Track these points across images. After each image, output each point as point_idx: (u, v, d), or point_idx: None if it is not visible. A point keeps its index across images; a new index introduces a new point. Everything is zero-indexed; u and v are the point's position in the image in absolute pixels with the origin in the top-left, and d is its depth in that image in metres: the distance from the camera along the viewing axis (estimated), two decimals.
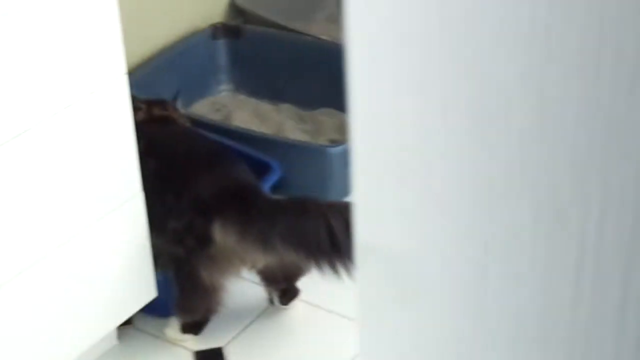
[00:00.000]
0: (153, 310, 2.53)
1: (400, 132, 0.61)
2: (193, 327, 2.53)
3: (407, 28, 0.58)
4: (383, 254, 0.64)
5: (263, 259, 2.42)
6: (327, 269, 2.24)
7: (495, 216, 0.60)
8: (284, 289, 2.59)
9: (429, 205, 0.62)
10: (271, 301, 2.61)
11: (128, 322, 2.53)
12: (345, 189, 2.95)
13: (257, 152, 2.75)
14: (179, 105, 2.77)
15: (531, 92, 0.55)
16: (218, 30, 3.30)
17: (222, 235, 2.34)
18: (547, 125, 0.56)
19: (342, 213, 2.23)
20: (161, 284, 2.48)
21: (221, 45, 3.31)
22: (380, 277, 0.65)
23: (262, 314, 2.61)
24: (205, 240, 2.36)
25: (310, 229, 2.24)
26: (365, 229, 0.65)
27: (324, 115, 3.21)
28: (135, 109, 2.39)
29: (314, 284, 2.55)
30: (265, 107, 3.27)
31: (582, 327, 0.59)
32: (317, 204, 2.30)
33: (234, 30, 3.30)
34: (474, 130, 0.58)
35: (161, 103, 2.73)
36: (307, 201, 2.32)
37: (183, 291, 2.46)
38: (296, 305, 2.60)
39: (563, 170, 0.56)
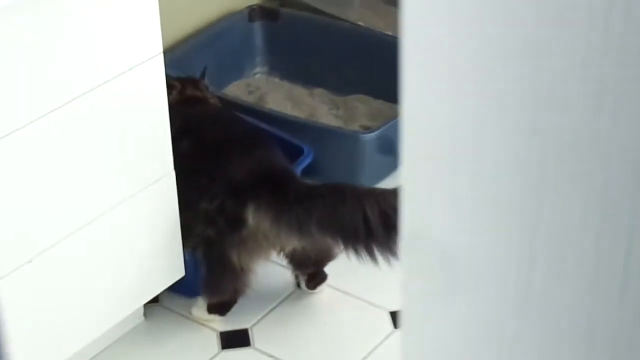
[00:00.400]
0: (180, 289, 2.55)
1: (454, 121, 0.61)
2: (219, 307, 2.54)
3: (465, 15, 0.58)
4: (430, 244, 0.64)
5: (297, 244, 2.43)
6: (364, 256, 2.24)
7: (545, 208, 0.60)
8: (311, 273, 2.59)
9: (479, 196, 0.62)
10: (298, 285, 2.62)
11: (155, 300, 2.55)
12: (377, 175, 2.95)
13: (289, 136, 2.75)
14: (207, 83, 2.77)
15: (588, 83, 0.55)
16: (255, 13, 3.30)
17: (255, 218, 2.34)
18: (601, 117, 0.56)
19: (379, 200, 2.24)
20: (189, 264, 2.49)
21: (257, 27, 3.31)
22: (427, 267, 0.65)
23: (289, 297, 2.62)
24: (237, 223, 2.36)
25: (347, 215, 2.24)
26: (413, 218, 0.65)
27: (357, 102, 3.20)
28: (169, 87, 2.40)
29: (341, 269, 2.55)
30: (299, 91, 3.27)
31: (627, 326, 0.58)
32: (353, 190, 2.30)
33: (270, 13, 3.30)
34: (528, 121, 0.58)
35: (193, 82, 2.73)
36: (344, 187, 2.32)
37: (212, 272, 2.47)
38: (323, 289, 2.60)
39: (615, 162, 0.56)
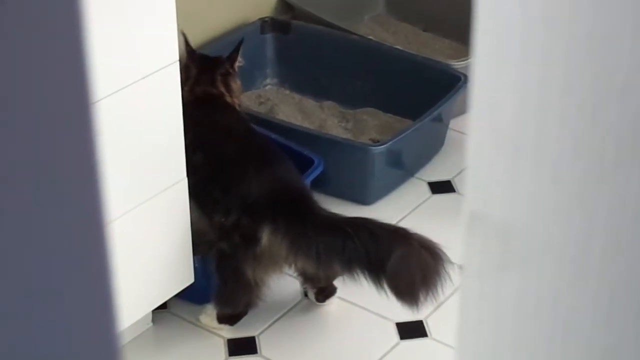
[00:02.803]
0: (188, 296, 2.56)
1: (520, 104, 0.63)
2: (230, 318, 2.54)
3: (533, 5, 0.61)
4: (491, 223, 0.67)
5: (313, 271, 2.45)
6: (381, 289, 2.27)
7: (604, 188, 0.63)
8: (321, 287, 2.60)
9: (540, 177, 0.65)
10: (306, 294, 2.63)
11: (163, 306, 2.56)
12: (385, 188, 2.98)
13: (299, 147, 2.77)
14: (238, 65, 2.72)
15: None
16: (267, 25, 3.33)
17: (271, 240, 2.35)
18: None
19: (403, 241, 2.26)
20: (198, 271, 2.51)
21: (269, 39, 3.33)
22: (487, 245, 0.67)
23: (296, 306, 2.63)
24: (252, 241, 2.37)
25: (394, 260, 2.25)
26: (475, 197, 0.68)
27: (366, 115, 3.23)
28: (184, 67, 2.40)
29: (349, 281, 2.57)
30: (309, 103, 3.30)
31: None
32: (374, 229, 2.30)
33: (282, 25, 3.33)
34: (592, 105, 0.61)
35: (215, 65, 2.69)
36: (364, 223, 2.32)
37: (225, 284, 2.47)
38: (331, 299, 2.62)
39: None
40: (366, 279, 2.30)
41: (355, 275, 2.33)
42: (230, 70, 2.69)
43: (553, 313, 0.66)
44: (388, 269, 2.24)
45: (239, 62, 2.72)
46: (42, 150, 0.54)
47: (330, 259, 2.31)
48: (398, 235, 2.28)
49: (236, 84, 2.72)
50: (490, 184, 0.66)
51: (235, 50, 2.71)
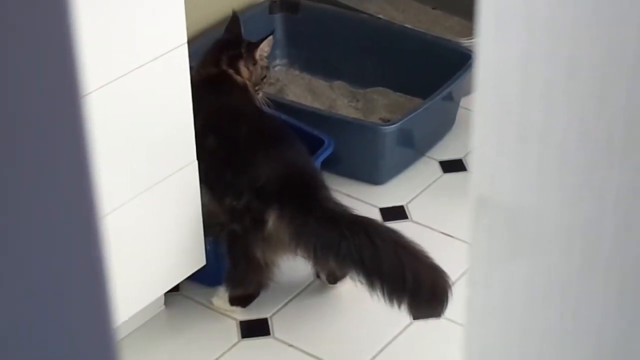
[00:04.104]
0: (200, 278, 2.56)
1: (524, 88, 0.63)
2: (242, 300, 2.55)
3: None
4: (498, 208, 0.66)
5: (312, 262, 2.47)
6: (381, 294, 2.27)
7: (612, 172, 0.62)
8: (332, 270, 2.60)
9: (548, 160, 0.64)
10: (317, 275, 2.63)
11: (175, 289, 2.56)
12: (396, 168, 2.97)
13: (310, 127, 2.77)
14: (264, 52, 2.70)
15: None
16: (275, 5, 3.32)
17: (276, 225, 2.35)
18: None
19: (417, 262, 2.26)
20: (210, 253, 2.51)
21: (278, 19, 3.32)
22: (494, 230, 0.67)
23: (308, 287, 2.63)
24: (259, 222, 2.38)
25: (385, 265, 2.25)
26: (482, 182, 0.67)
27: (376, 94, 3.22)
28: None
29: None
30: (318, 83, 3.29)
31: None
32: (382, 234, 2.30)
33: (291, 5, 3.32)
34: (597, 91, 0.60)
35: (235, 46, 2.68)
36: (369, 226, 2.31)
37: (236, 266, 2.48)
38: (343, 281, 2.61)
39: None
40: (360, 281, 2.31)
41: (351, 274, 2.36)
42: (244, 53, 2.66)
43: (562, 299, 0.66)
44: (385, 276, 2.25)
45: (265, 52, 2.69)
46: (30, 142, 0.54)
47: (326, 256, 2.33)
48: (396, 246, 2.28)
49: (252, 69, 2.68)
50: (497, 169, 0.66)
51: (262, 39, 2.68)
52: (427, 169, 3.02)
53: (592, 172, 0.63)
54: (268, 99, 2.75)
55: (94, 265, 0.58)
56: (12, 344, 0.56)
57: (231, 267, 2.49)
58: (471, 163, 0.68)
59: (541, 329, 0.67)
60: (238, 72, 2.66)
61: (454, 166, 3.04)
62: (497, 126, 0.65)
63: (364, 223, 2.34)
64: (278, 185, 2.37)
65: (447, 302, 2.27)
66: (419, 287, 2.25)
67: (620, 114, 0.60)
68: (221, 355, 2.47)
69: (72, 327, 0.59)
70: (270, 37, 2.70)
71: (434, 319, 2.36)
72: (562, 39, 0.60)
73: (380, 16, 3.36)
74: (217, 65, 2.65)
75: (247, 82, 2.66)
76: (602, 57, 0.59)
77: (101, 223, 0.59)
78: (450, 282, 2.29)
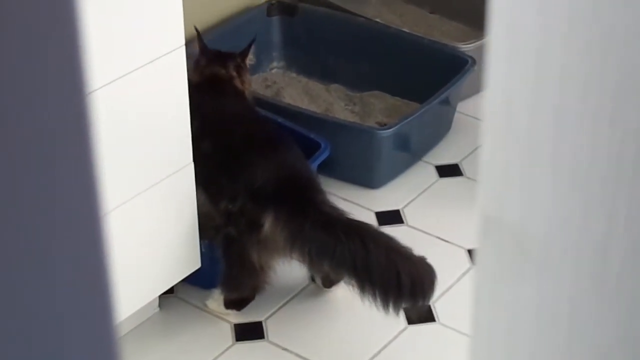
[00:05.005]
0: (195, 280, 2.56)
1: (535, 108, 0.62)
2: (237, 303, 2.54)
3: (552, 11, 0.60)
4: (506, 227, 0.66)
5: (307, 266, 2.48)
6: (377, 301, 2.27)
7: (622, 193, 0.62)
8: (327, 274, 2.59)
9: (557, 181, 0.64)
10: (313, 279, 2.63)
11: (170, 291, 2.56)
12: (392, 172, 2.97)
13: (306, 130, 2.76)
14: (250, 61, 2.72)
15: None
16: (273, 8, 3.31)
17: (272, 228, 2.35)
18: None
19: (410, 265, 2.27)
20: (205, 256, 2.50)
21: (275, 22, 3.32)
22: (501, 250, 0.67)
23: (303, 291, 2.63)
24: (255, 225, 2.37)
25: (377, 269, 2.26)
26: (489, 201, 0.67)
27: (373, 98, 3.22)
28: (195, 63, 2.40)
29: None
30: (315, 86, 3.29)
31: None
32: (377, 239, 2.30)
33: (289, 8, 3.31)
34: (609, 112, 0.60)
35: (226, 58, 2.69)
36: (364, 232, 2.32)
37: (231, 269, 2.48)
38: (337, 285, 2.61)
39: None
40: (353, 285, 2.32)
41: (345, 278, 2.38)
42: (242, 64, 2.68)
43: (570, 320, 0.65)
44: (378, 282, 2.26)
45: (250, 59, 2.71)
46: (36, 139, 0.54)
47: (320, 260, 2.34)
48: (390, 250, 2.28)
49: (247, 78, 2.72)
50: (505, 188, 0.65)
51: (248, 47, 2.70)
52: (423, 173, 3.02)
53: (602, 192, 0.62)
54: (256, 98, 2.78)
55: (97, 263, 0.58)
56: (16, 342, 0.56)
57: (227, 270, 2.48)
58: (479, 182, 0.67)
59: (549, 351, 0.67)
60: (240, 78, 2.68)
61: (450, 171, 3.04)
62: (505, 145, 0.65)
63: (360, 227, 2.34)
64: (274, 188, 2.37)
65: (433, 289, 2.27)
66: (410, 284, 2.25)
67: (631, 135, 0.60)
68: (215, 358, 2.46)
69: (75, 325, 0.59)
70: (252, 45, 2.72)
71: (419, 304, 2.35)
72: (574, 60, 0.60)
73: (377, 20, 3.36)
74: (224, 67, 2.66)
75: (246, 89, 2.69)
76: (613, 78, 0.59)
77: (105, 220, 0.59)
78: (435, 275, 2.29)
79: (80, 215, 0.57)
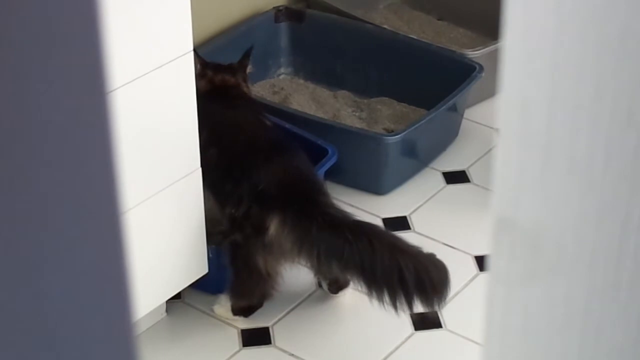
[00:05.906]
0: (202, 286, 2.56)
1: (550, 109, 0.62)
2: (245, 310, 2.54)
3: (568, 12, 0.60)
4: (520, 229, 0.66)
5: (315, 268, 2.48)
6: (386, 301, 2.27)
7: (637, 194, 0.62)
8: (334, 278, 2.60)
9: (572, 182, 0.64)
10: (319, 284, 2.63)
11: (177, 296, 2.56)
12: (399, 178, 2.97)
13: (314, 137, 2.77)
14: (249, 70, 2.73)
15: None
16: (281, 14, 3.32)
17: (278, 232, 2.35)
18: None
19: (415, 263, 2.26)
20: (212, 261, 2.50)
21: (283, 28, 3.32)
22: (515, 252, 0.67)
23: (310, 296, 2.63)
24: (260, 229, 2.37)
25: (380, 269, 2.25)
26: (503, 202, 0.67)
27: (380, 104, 3.22)
28: (199, 76, 2.41)
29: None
30: (323, 92, 3.29)
31: None
32: (382, 239, 2.30)
33: (296, 14, 3.32)
34: (624, 113, 0.60)
35: (229, 69, 2.70)
36: (370, 232, 2.32)
37: (239, 276, 2.48)
38: (345, 291, 2.61)
39: None
40: (360, 285, 2.32)
41: (353, 279, 2.37)
42: (244, 76, 2.70)
43: (584, 322, 0.65)
44: (379, 278, 2.26)
45: (249, 69, 2.72)
46: (57, 140, 0.54)
47: (329, 262, 2.33)
48: (395, 249, 2.27)
49: (249, 86, 2.74)
50: (520, 190, 0.65)
51: (246, 56, 2.71)
52: (430, 179, 3.02)
53: (617, 194, 0.62)
54: (262, 104, 2.79)
55: (116, 262, 0.59)
56: (38, 341, 0.56)
57: (234, 278, 2.48)
58: (493, 184, 0.67)
59: (562, 352, 0.67)
60: (247, 85, 2.71)
61: (457, 177, 3.04)
62: (520, 147, 0.65)
63: (367, 228, 2.34)
64: (279, 191, 2.37)
65: (445, 286, 2.27)
66: (415, 279, 2.25)
67: None
68: None
69: (94, 324, 0.59)
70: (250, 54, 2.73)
71: (434, 302, 2.34)
72: (589, 61, 0.60)
73: (385, 26, 3.36)
74: (234, 76, 2.67)
75: (252, 96, 2.71)
76: (629, 79, 0.59)
77: (124, 220, 0.59)
78: (447, 270, 2.29)
79: (102, 213, 0.57)
